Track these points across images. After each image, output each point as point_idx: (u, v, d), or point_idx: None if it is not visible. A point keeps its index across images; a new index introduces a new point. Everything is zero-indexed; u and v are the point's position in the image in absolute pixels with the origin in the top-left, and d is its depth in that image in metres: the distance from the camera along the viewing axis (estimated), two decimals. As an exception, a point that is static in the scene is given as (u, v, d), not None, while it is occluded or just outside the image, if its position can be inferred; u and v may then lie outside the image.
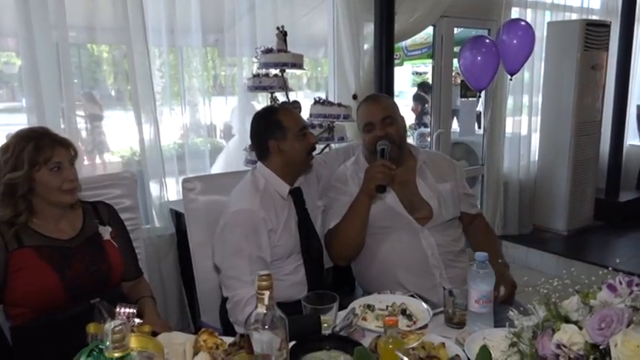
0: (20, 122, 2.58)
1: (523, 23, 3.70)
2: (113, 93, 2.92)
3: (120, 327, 0.85)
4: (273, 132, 1.86)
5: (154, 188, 2.84)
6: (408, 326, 1.51)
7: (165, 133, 2.87)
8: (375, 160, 1.93)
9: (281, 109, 2.02)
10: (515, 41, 3.54)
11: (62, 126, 2.49)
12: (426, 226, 1.98)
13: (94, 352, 0.89)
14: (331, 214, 2.01)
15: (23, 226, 1.58)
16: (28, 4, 2.33)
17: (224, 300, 1.81)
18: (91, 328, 0.96)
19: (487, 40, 3.61)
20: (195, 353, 1.25)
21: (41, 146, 1.54)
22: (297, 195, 1.93)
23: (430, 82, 6.25)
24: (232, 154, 3.27)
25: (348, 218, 1.93)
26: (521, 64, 3.64)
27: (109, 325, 0.86)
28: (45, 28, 2.40)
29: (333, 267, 2.13)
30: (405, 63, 7.46)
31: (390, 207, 1.98)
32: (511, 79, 3.87)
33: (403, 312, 1.58)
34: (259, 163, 1.93)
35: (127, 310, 0.93)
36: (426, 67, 7.70)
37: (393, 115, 2.02)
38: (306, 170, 2.00)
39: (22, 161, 1.52)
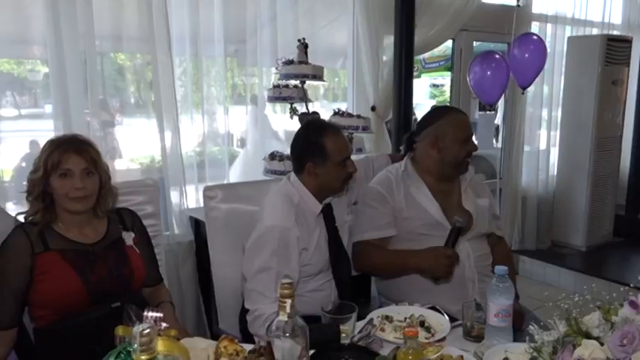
0: (42, 128, 2.64)
1: (535, 37, 3.70)
2: (133, 100, 2.98)
3: (148, 330, 0.87)
4: (313, 155, 1.81)
5: (173, 195, 2.89)
6: (426, 338, 1.51)
7: (184, 142, 2.92)
8: (463, 172, 2.00)
9: (330, 131, 1.87)
10: (526, 55, 3.54)
11: (88, 132, 2.55)
12: (465, 237, 1.96)
13: (122, 354, 0.91)
14: (368, 224, 1.98)
15: (49, 229, 1.62)
16: (58, 14, 2.40)
17: (243, 309, 1.82)
18: (120, 330, 0.98)
19: (497, 56, 3.63)
20: (216, 359, 1.27)
21: (53, 152, 1.59)
22: (328, 212, 1.93)
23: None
24: (249, 161, 3.31)
25: (390, 261, 1.95)
26: (533, 78, 3.64)
27: (137, 329, 0.88)
28: (73, 37, 2.47)
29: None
30: (422, 75, 7.48)
31: (432, 216, 1.97)
32: (523, 93, 3.86)
33: (421, 324, 1.58)
34: (294, 176, 1.90)
35: (155, 314, 0.95)
36: (443, 79, 7.71)
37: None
38: (338, 193, 1.98)
39: (40, 165, 1.59)
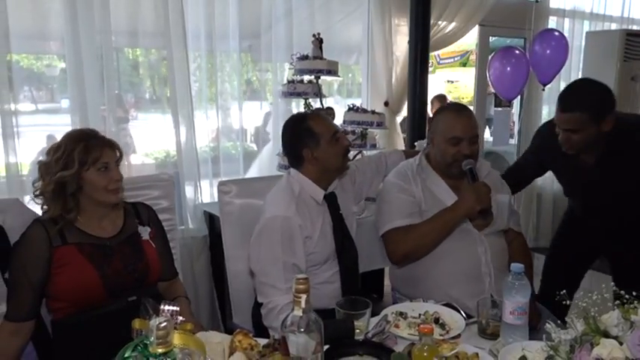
0: (58, 122, 2.66)
1: (557, 33, 3.65)
2: (148, 95, 3.00)
3: (164, 324, 0.88)
4: (306, 140, 1.85)
5: (188, 190, 2.90)
6: (441, 335, 1.50)
7: (198, 137, 2.94)
8: (455, 174, 1.94)
9: (310, 115, 2.00)
10: (548, 51, 3.51)
11: (105, 127, 2.57)
12: (483, 232, 1.95)
13: (139, 347, 0.92)
14: (395, 213, 1.94)
15: (67, 224, 1.63)
16: (76, 10, 2.43)
17: (257, 303, 1.83)
18: (137, 323, 0.99)
19: (517, 51, 3.59)
20: (231, 353, 1.27)
21: (91, 147, 1.60)
22: (331, 200, 1.93)
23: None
24: (266, 158, 3.31)
25: (432, 227, 1.88)
26: (554, 75, 3.60)
27: (154, 322, 0.88)
28: (90, 33, 2.50)
29: (361, 274, 2.12)
30: (436, 71, 7.44)
31: None
32: (544, 90, 3.82)
33: (436, 321, 1.58)
34: (293, 170, 1.92)
35: (171, 307, 0.96)
36: (453, 73, 7.66)
37: (478, 133, 1.99)
38: (343, 173, 1.99)
39: (72, 160, 1.58)
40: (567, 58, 3.62)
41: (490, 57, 3.71)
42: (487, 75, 3.66)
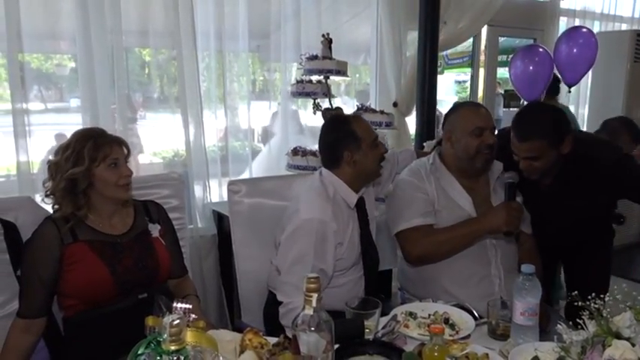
0: (67, 121, 2.68)
1: (584, 30, 3.58)
2: (157, 95, 3.01)
3: (177, 321, 0.89)
4: (348, 143, 1.84)
5: (197, 189, 2.91)
6: (450, 335, 1.50)
7: (207, 136, 2.94)
8: (478, 168, 1.93)
9: (354, 118, 1.98)
10: (575, 50, 3.43)
11: (116, 126, 2.59)
12: (494, 235, 1.93)
13: (152, 344, 0.92)
14: (409, 210, 1.93)
15: (78, 221, 1.64)
16: (87, 10, 2.45)
17: (269, 302, 1.82)
18: (150, 320, 0.99)
19: (540, 49, 3.52)
20: (241, 352, 1.28)
21: (100, 144, 1.62)
22: (361, 205, 1.93)
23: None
24: (273, 157, 3.32)
25: (452, 236, 1.87)
26: (582, 75, 3.51)
27: (167, 319, 0.89)
28: (101, 33, 2.51)
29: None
30: (445, 72, 7.41)
31: (465, 210, 1.94)
32: (569, 92, 3.73)
33: (446, 321, 1.57)
34: (326, 170, 1.91)
35: (184, 305, 0.96)
36: (465, 75, 7.62)
37: (495, 126, 1.97)
38: (375, 179, 1.99)
39: (82, 157, 1.59)
40: (596, 56, 3.52)
41: (512, 55, 3.64)
42: (508, 74, 3.58)
